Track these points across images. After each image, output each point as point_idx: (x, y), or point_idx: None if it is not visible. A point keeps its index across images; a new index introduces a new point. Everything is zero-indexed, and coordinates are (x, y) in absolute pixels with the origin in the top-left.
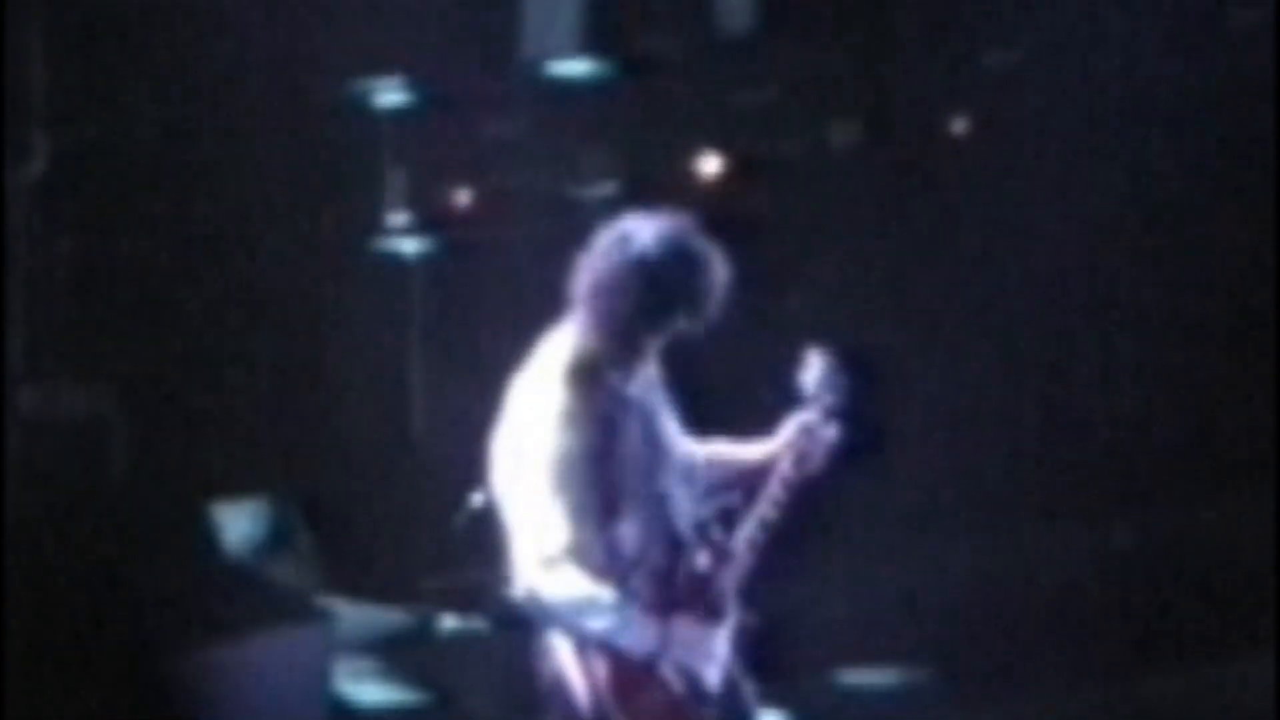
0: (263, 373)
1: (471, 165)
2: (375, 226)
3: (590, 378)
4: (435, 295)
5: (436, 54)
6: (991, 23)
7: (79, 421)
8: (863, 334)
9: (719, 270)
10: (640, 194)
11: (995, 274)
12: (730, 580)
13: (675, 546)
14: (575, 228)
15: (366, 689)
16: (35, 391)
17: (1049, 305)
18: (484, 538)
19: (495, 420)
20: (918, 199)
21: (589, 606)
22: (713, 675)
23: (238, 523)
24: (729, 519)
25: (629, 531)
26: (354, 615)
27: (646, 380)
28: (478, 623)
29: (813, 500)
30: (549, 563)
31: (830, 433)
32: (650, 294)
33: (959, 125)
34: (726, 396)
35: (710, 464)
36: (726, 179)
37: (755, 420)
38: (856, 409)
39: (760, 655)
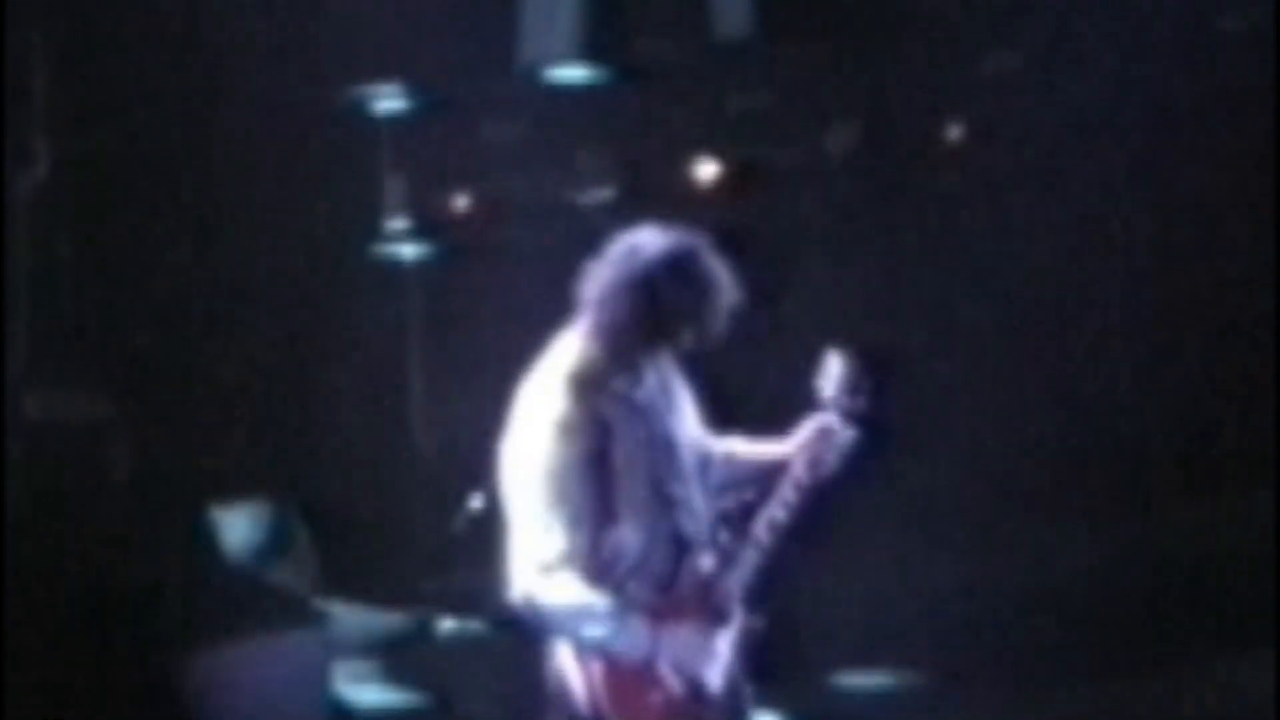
0: (262, 377)
1: (470, 170)
2: (374, 231)
3: (590, 384)
4: (434, 299)
5: (435, 59)
6: (988, 29)
7: (81, 426)
8: (860, 339)
9: (726, 291)
10: (637, 199)
11: (993, 278)
12: (736, 583)
13: (680, 549)
14: (573, 232)
15: (365, 691)
16: (37, 396)
17: (1047, 309)
18: (482, 540)
19: (494, 424)
20: (914, 204)
21: (584, 613)
22: (714, 678)
23: (238, 526)
24: (737, 519)
25: (630, 536)
26: (353, 617)
27: (657, 383)
28: (476, 625)
29: (821, 507)
30: (546, 569)
31: (847, 436)
32: (650, 309)
33: (956, 131)
34: (721, 396)
35: (726, 460)
36: (724, 184)
37: (759, 422)
38: (874, 412)
39: (757, 657)
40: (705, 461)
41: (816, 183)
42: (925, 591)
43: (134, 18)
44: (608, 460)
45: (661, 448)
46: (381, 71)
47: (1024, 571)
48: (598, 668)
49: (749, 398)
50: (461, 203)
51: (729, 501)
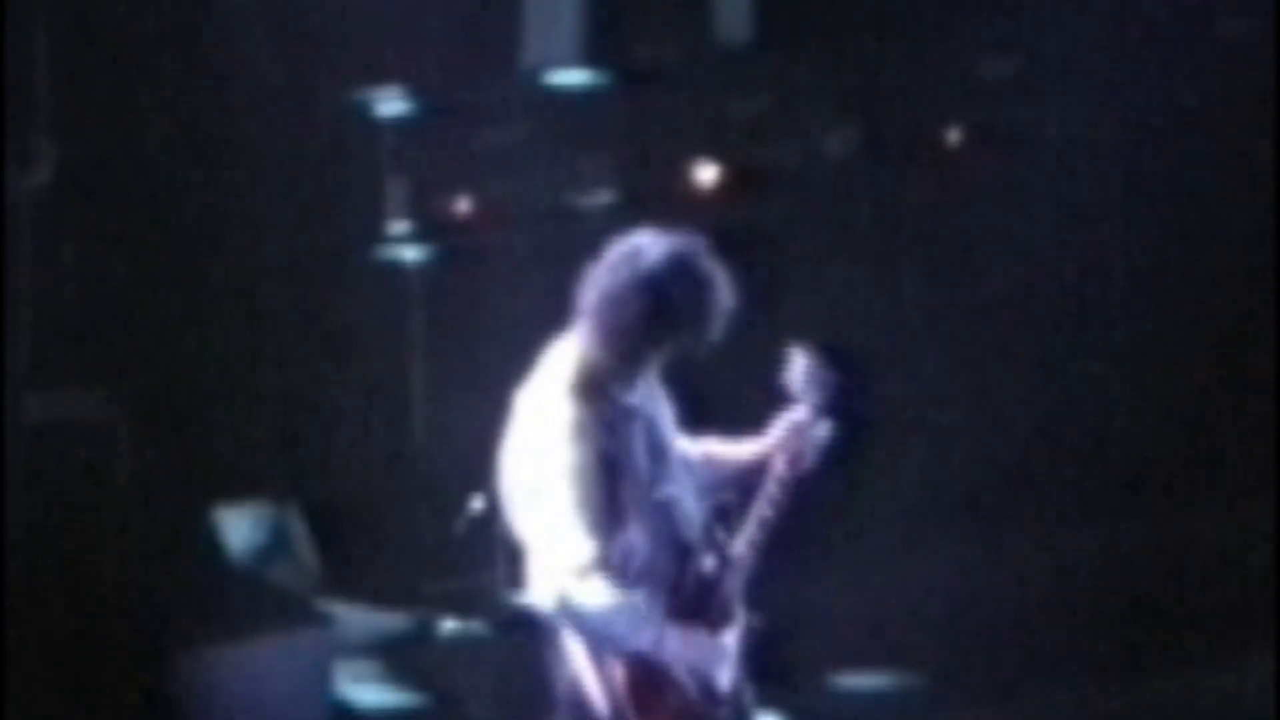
0: (265, 379)
1: (471, 173)
2: (376, 233)
3: (594, 389)
4: (435, 302)
5: (437, 64)
6: (986, 34)
7: (84, 427)
8: (859, 341)
9: (725, 294)
10: (638, 202)
11: (990, 281)
12: (736, 583)
13: (682, 552)
14: (573, 235)
15: (367, 691)
16: (41, 397)
17: (1044, 312)
18: (483, 542)
19: (494, 425)
20: (913, 207)
21: (622, 614)
22: (724, 678)
23: (240, 527)
24: (727, 520)
25: (638, 539)
26: (354, 618)
27: (647, 388)
28: (477, 626)
29: (809, 504)
30: (580, 572)
31: (821, 430)
32: (655, 312)
33: (953, 135)
34: (721, 398)
35: (705, 462)
36: (723, 188)
37: (744, 420)
38: (844, 405)
39: (758, 658)
40: (689, 465)
41: (815, 186)
42: (925, 592)
43: (138, 20)
44: (619, 464)
45: (658, 452)
46: (384, 75)
47: (1024, 572)
48: (617, 670)
49: (741, 398)
50: (463, 206)
51: (710, 503)
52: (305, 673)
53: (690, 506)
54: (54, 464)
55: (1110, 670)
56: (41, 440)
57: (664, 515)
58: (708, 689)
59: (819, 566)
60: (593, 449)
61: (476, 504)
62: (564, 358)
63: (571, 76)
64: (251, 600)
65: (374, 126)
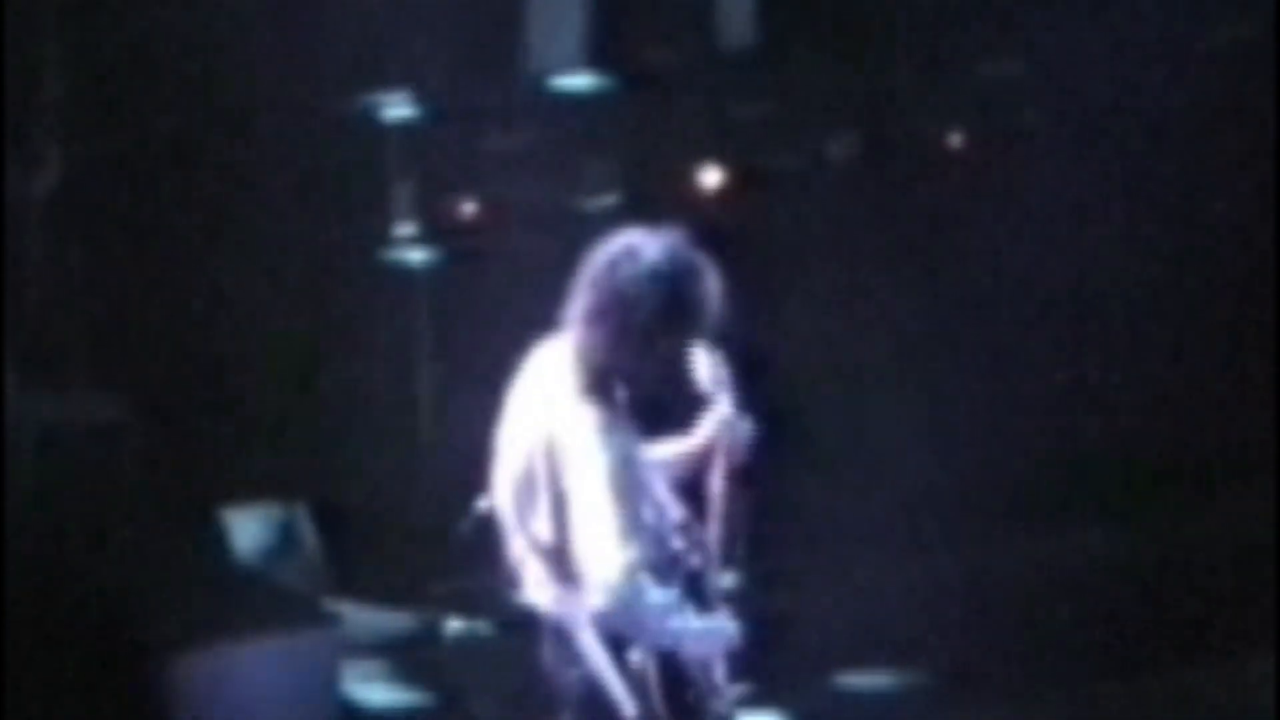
0: (272, 380)
1: (476, 177)
2: (383, 236)
3: (607, 390)
4: (441, 303)
5: (443, 68)
6: (987, 37)
7: (94, 428)
8: (860, 343)
9: (716, 283)
10: (642, 205)
11: (991, 284)
12: (715, 578)
13: (673, 550)
14: (578, 238)
15: (374, 690)
16: (51, 398)
17: (1048, 312)
18: (489, 542)
19: (500, 426)
20: (914, 211)
21: (673, 610)
22: (720, 670)
23: (248, 527)
24: (700, 518)
25: (644, 537)
26: (362, 618)
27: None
28: (483, 625)
29: (808, 501)
30: (634, 570)
31: (745, 424)
32: (669, 304)
33: (955, 138)
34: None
35: (661, 464)
36: (726, 190)
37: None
38: (757, 403)
39: (758, 655)
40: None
41: (818, 189)
42: (926, 591)
43: (145, 25)
44: (636, 462)
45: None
46: (390, 80)
47: (1026, 571)
48: (648, 667)
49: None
50: (468, 208)
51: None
52: (313, 672)
53: (670, 504)
54: (65, 464)
55: (1111, 669)
56: (53, 441)
57: (658, 513)
58: (711, 682)
59: (818, 565)
60: (620, 448)
61: (482, 504)
62: (560, 362)
63: (576, 81)
64: (259, 600)
65: (380, 130)
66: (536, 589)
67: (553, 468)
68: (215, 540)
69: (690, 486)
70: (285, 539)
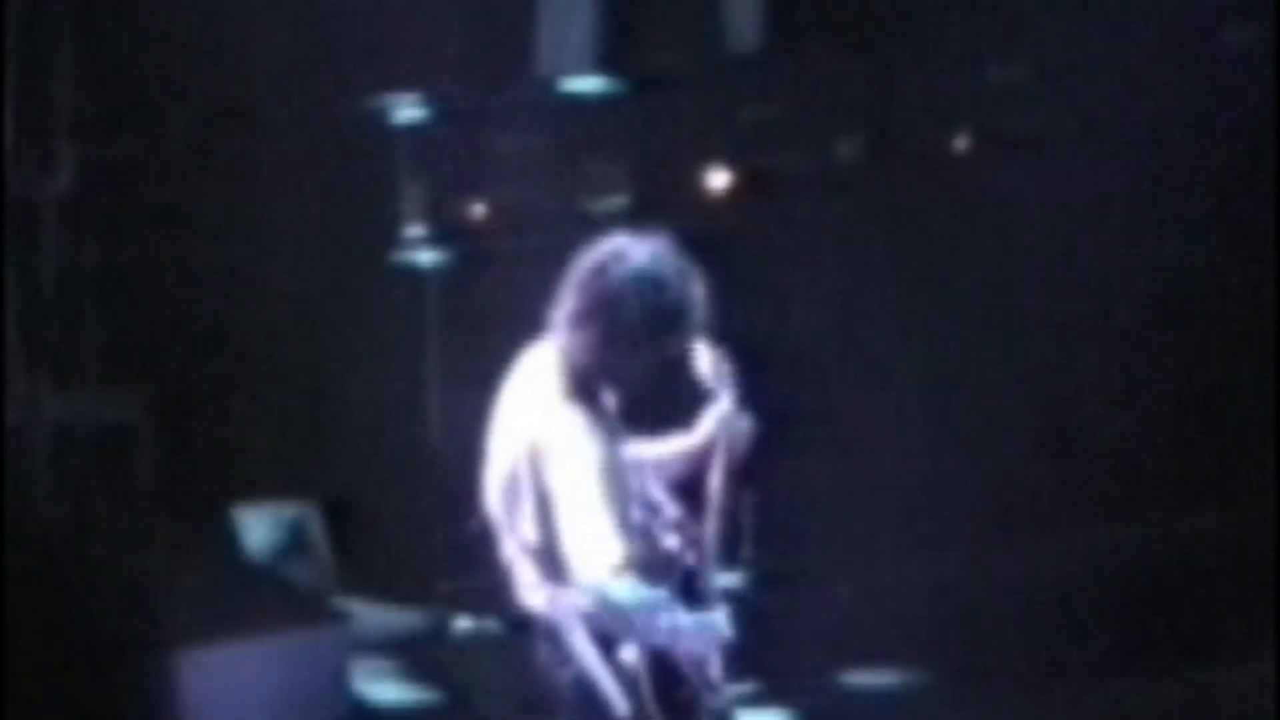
0: (283, 380)
1: (486, 178)
2: (393, 237)
3: (590, 393)
4: (450, 305)
5: (452, 70)
6: (994, 40)
7: (106, 428)
8: (863, 343)
9: (701, 287)
10: (650, 207)
11: (996, 286)
12: (710, 576)
13: (660, 546)
14: (587, 239)
15: (383, 688)
16: (64, 398)
17: (1051, 314)
18: (496, 541)
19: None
20: (922, 212)
21: (658, 607)
22: (715, 668)
23: (259, 526)
24: (695, 516)
25: (639, 537)
26: (371, 616)
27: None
28: (492, 624)
29: (812, 499)
30: (618, 568)
31: (745, 421)
32: (656, 308)
33: (962, 141)
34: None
35: (657, 465)
36: (734, 192)
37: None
38: (758, 399)
39: (762, 654)
40: (647, 464)
41: (825, 191)
42: (931, 590)
43: (158, 27)
44: (621, 463)
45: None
46: (400, 82)
47: (1028, 570)
48: (639, 665)
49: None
50: (478, 210)
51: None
52: (322, 670)
53: (662, 502)
54: (77, 464)
55: (1113, 668)
56: (65, 441)
57: (648, 511)
58: (706, 679)
59: (822, 563)
60: (606, 447)
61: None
62: (545, 365)
63: (585, 83)
64: (269, 598)
65: (390, 132)
66: (528, 589)
67: (536, 469)
68: (226, 539)
69: (689, 484)
70: (295, 538)
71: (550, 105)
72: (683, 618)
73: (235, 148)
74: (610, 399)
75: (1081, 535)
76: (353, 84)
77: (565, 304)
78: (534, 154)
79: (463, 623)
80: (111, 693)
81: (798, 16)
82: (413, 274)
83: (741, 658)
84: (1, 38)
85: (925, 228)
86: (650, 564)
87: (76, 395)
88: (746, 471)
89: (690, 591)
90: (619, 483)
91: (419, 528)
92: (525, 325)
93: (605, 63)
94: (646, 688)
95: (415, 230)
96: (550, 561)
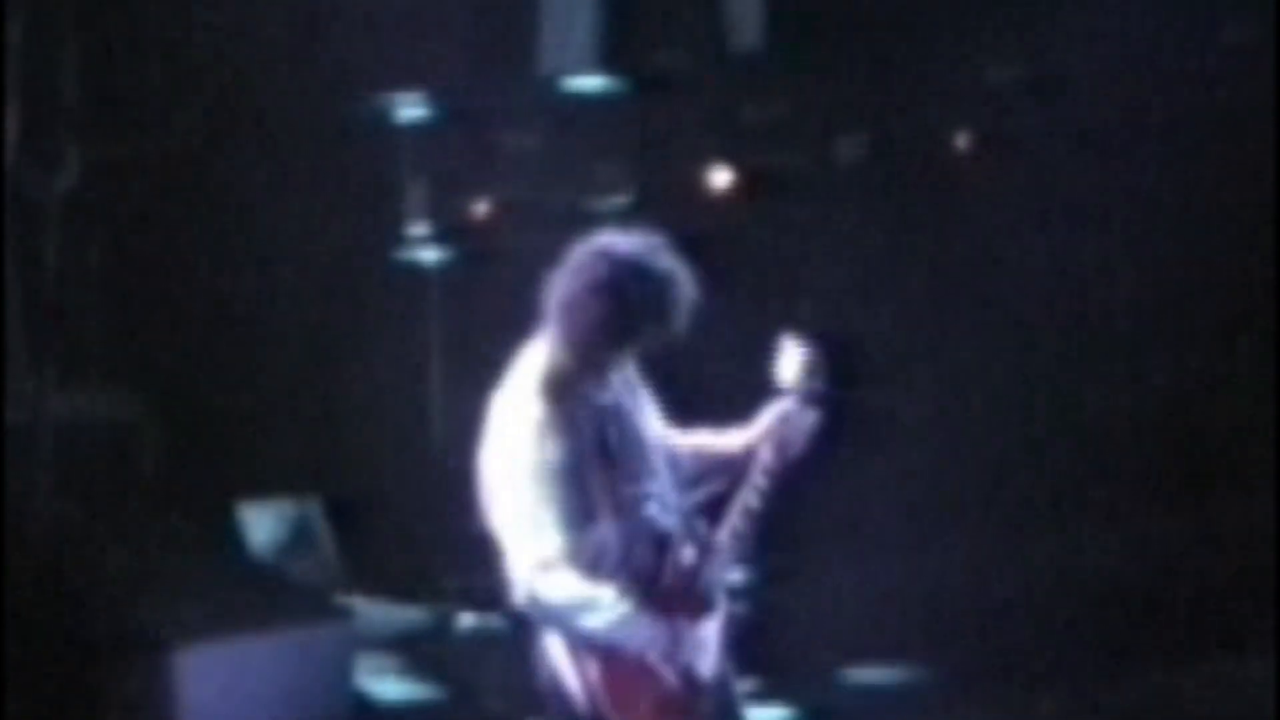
0: (287, 378)
1: (489, 177)
2: (396, 236)
3: (562, 390)
4: (453, 302)
5: (456, 69)
6: (995, 41)
7: (111, 425)
8: (866, 342)
9: (686, 289)
10: (653, 205)
11: (997, 285)
12: (717, 572)
13: (661, 543)
14: (589, 238)
15: (387, 684)
16: (68, 396)
17: (1052, 313)
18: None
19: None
20: (922, 212)
21: (587, 606)
22: (705, 668)
23: (263, 523)
24: (712, 510)
25: (611, 532)
26: (375, 613)
27: (623, 382)
28: (495, 620)
29: (815, 496)
30: (545, 565)
31: (810, 418)
32: (616, 312)
33: (963, 140)
34: (722, 395)
35: (693, 455)
36: (736, 191)
37: (735, 412)
38: (833, 396)
39: (764, 651)
40: (674, 457)
41: (826, 190)
42: (933, 587)
43: (163, 25)
44: (588, 461)
45: (633, 446)
46: (403, 81)
47: (1029, 569)
48: (593, 664)
49: (754, 395)
50: (481, 209)
51: (701, 495)
52: (326, 666)
53: (671, 499)
54: (82, 462)
55: (1113, 666)
56: (70, 439)
57: (642, 509)
58: (689, 679)
59: (824, 559)
60: (559, 448)
61: None
62: (533, 361)
63: (588, 82)
64: (274, 595)
65: (394, 130)
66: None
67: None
68: (229, 536)
69: (734, 476)
70: (299, 535)
71: (553, 104)
72: (604, 616)
73: (239, 147)
74: (595, 393)
75: (1083, 533)
76: (356, 83)
77: (553, 294)
78: (536, 153)
79: (465, 619)
80: (114, 689)
81: (799, 17)
82: (416, 272)
83: (743, 654)
84: (7, 36)
85: (925, 226)
86: (622, 563)
87: (80, 393)
88: (790, 474)
89: (684, 592)
90: (563, 479)
91: (422, 524)
92: (528, 323)
93: (607, 62)
94: (598, 684)
95: (418, 228)
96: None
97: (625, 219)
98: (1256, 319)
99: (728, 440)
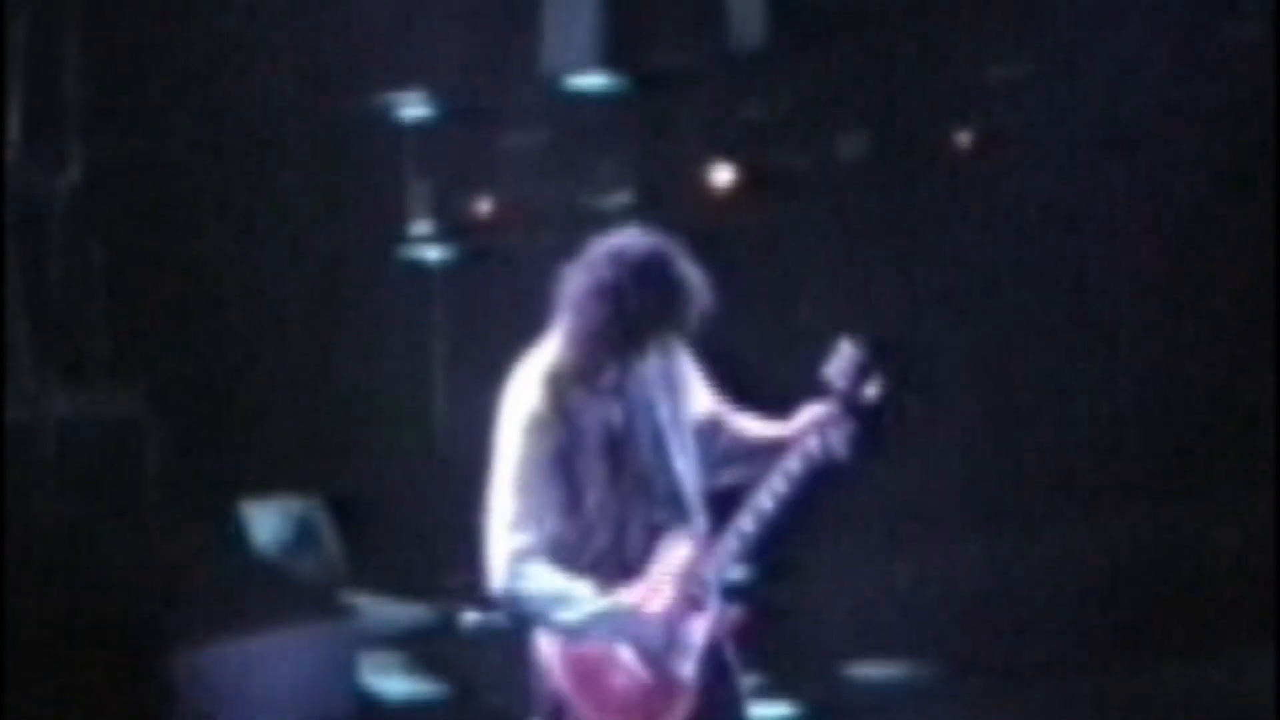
0: (291, 376)
1: (492, 175)
2: (400, 234)
3: (561, 385)
4: (456, 300)
5: (458, 68)
6: (996, 38)
7: (114, 423)
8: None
9: (696, 292)
10: (655, 203)
11: (999, 283)
12: (712, 572)
13: (654, 539)
14: (592, 235)
15: (390, 681)
16: (71, 394)
17: (1052, 311)
18: None
19: None
20: (923, 209)
21: (561, 599)
22: (686, 666)
23: (267, 521)
24: (720, 507)
25: (599, 527)
26: (378, 610)
27: (659, 370)
28: (498, 617)
29: (820, 494)
30: (519, 557)
31: (847, 430)
32: (616, 318)
33: (963, 138)
34: (719, 392)
35: (733, 437)
36: (738, 189)
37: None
38: (885, 401)
39: (768, 647)
40: (714, 430)
41: (828, 188)
42: (935, 584)
43: (166, 25)
44: (577, 456)
45: (645, 439)
46: (406, 80)
47: (1032, 566)
48: (566, 653)
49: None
50: (484, 207)
51: (725, 478)
52: (330, 664)
53: (683, 490)
54: (85, 460)
55: (1116, 663)
56: (73, 436)
57: (640, 502)
58: (665, 677)
59: (828, 556)
60: (546, 441)
61: None
62: (545, 352)
63: (590, 81)
64: (278, 592)
65: (397, 129)
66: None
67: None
68: (233, 534)
69: (756, 468)
70: (302, 533)
71: (555, 103)
72: (583, 610)
73: (242, 145)
74: (603, 387)
75: (1086, 531)
76: (359, 82)
77: (564, 289)
78: (539, 151)
79: (470, 616)
80: (119, 688)
81: (800, 15)
82: (419, 270)
83: (746, 650)
84: (10, 35)
85: (928, 225)
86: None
87: (83, 391)
88: (811, 480)
89: (677, 589)
90: (546, 472)
91: (426, 522)
92: (531, 321)
93: (610, 61)
94: (563, 675)
95: (421, 227)
96: None
97: (627, 217)
98: (1257, 318)
99: (766, 430)
